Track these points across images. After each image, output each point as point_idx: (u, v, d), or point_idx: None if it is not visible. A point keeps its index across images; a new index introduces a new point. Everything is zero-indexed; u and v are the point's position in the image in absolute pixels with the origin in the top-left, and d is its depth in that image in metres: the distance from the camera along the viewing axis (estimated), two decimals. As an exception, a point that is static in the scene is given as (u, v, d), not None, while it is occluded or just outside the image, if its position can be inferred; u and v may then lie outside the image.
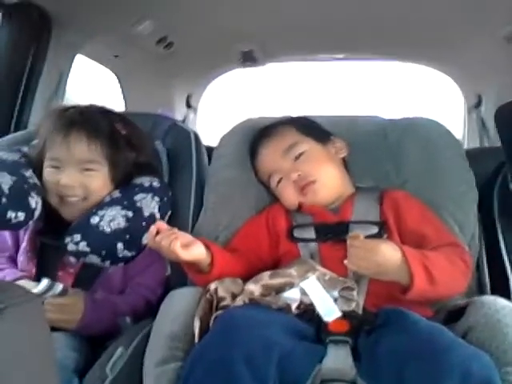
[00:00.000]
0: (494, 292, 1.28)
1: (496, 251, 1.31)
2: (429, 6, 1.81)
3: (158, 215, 1.29)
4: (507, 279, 1.27)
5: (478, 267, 1.32)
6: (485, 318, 0.98)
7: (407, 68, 2.56)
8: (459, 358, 0.85)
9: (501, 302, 1.02)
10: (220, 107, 2.98)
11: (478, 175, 1.39)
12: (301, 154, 1.32)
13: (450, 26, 1.95)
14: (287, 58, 2.45)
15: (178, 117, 2.55)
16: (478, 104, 2.38)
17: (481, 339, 0.96)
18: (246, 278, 1.13)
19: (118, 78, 2.45)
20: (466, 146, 2.34)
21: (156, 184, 1.35)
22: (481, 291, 1.30)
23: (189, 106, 2.65)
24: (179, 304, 1.09)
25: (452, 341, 0.90)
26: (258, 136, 1.42)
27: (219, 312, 1.03)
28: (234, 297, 1.07)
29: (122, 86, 2.47)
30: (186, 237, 1.13)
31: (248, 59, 2.26)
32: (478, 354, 0.88)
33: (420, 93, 3.06)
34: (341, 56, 2.37)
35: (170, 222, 1.26)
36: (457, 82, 2.46)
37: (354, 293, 1.06)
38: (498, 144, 1.38)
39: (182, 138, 1.52)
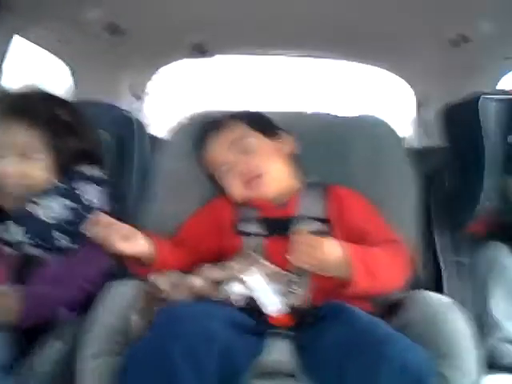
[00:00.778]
0: (430, 287, 1.32)
1: (433, 249, 1.36)
2: (378, 10, 1.84)
3: (99, 205, 1.26)
4: (441, 275, 1.33)
5: (417, 263, 1.36)
6: (421, 312, 1.01)
7: (359, 66, 2.59)
8: (397, 350, 0.86)
9: (436, 297, 1.05)
10: (168, 97, 2.95)
11: (422, 174, 1.42)
12: (248, 148, 1.32)
13: (398, 29, 1.97)
14: (237, 51, 2.44)
15: (126, 106, 2.50)
16: (426, 104, 2.43)
17: (417, 333, 0.98)
18: (190, 271, 1.12)
19: (66, 64, 2.38)
20: (415, 145, 2.39)
21: (98, 173, 1.32)
22: (418, 286, 1.33)
23: (136, 94, 2.60)
24: (118, 296, 1.07)
25: (390, 333, 0.92)
26: (206, 129, 1.41)
27: (160, 305, 1.02)
28: (175, 289, 1.06)
29: (71, 74, 2.40)
30: (126, 228, 1.10)
31: (198, 50, 2.24)
32: (414, 347, 0.90)
33: (371, 91, 3.09)
34: (290, 53, 2.38)
35: (112, 213, 1.23)
36: (407, 82, 2.51)
37: (297, 287, 1.07)
38: (443, 144, 1.43)
39: (126, 127, 1.49)
